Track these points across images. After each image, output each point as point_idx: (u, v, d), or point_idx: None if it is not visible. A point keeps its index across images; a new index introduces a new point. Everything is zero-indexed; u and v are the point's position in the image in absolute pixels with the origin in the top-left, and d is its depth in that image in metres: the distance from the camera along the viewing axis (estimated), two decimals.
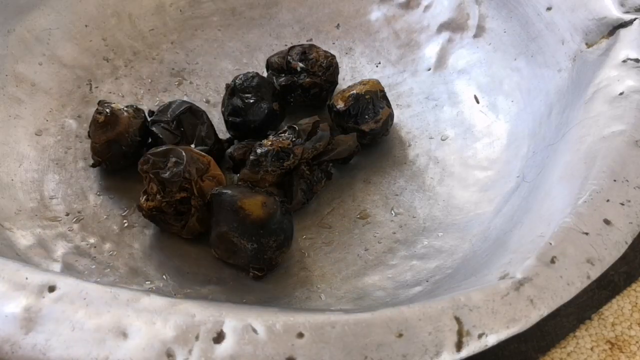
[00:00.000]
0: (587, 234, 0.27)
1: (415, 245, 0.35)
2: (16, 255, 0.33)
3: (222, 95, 0.41)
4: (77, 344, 0.24)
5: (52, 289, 0.25)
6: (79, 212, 0.37)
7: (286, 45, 0.45)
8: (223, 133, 0.40)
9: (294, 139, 0.36)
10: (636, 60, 0.33)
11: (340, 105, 0.39)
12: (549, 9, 0.39)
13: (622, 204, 0.28)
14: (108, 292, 0.25)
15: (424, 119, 0.42)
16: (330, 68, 0.41)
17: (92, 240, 0.36)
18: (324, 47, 0.43)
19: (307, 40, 0.46)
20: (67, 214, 0.37)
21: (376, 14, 0.47)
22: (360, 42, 0.46)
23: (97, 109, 0.38)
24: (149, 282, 0.34)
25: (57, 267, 0.34)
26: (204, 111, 0.39)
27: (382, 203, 0.38)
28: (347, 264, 0.35)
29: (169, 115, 0.38)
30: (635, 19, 0.35)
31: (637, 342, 0.34)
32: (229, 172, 0.38)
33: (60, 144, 0.40)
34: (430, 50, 0.44)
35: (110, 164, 0.38)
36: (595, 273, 0.27)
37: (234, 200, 0.33)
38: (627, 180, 0.29)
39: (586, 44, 0.36)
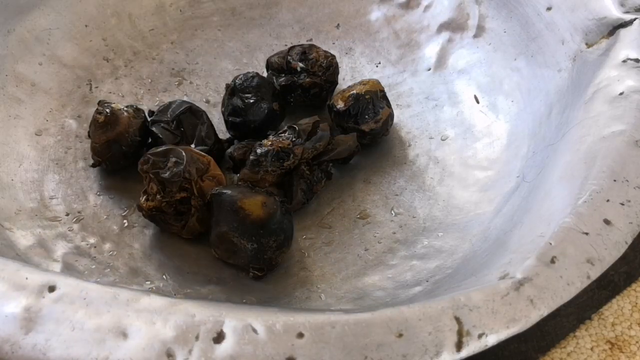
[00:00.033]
0: (587, 234, 0.27)
1: (415, 245, 0.35)
2: (16, 255, 0.33)
3: (222, 95, 0.41)
4: (77, 344, 0.24)
5: (52, 289, 0.25)
6: (79, 212, 0.37)
7: (286, 45, 0.45)
8: (223, 133, 0.40)
9: (294, 139, 0.36)
10: (636, 60, 0.33)
11: (340, 105, 0.39)
12: (549, 9, 0.39)
13: (622, 204, 0.28)
14: (108, 292, 0.25)
15: (424, 119, 0.42)
16: (330, 68, 0.41)
17: (92, 240, 0.36)
18: (324, 47, 0.43)
19: (307, 40, 0.46)
20: (67, 214, 0.37)
21: (376, 14, 0.47)
22: (360, 42, 0.46)
23: (97, 109, 0.38)
24: (149, 282, 0.34)
25: (57, 267, 0.34)
26: (204, 111, 0.39)
27: (382, 203, 0.38)
28: (347, 264, 0.35)
29: (169, 115, 0.38)
30: (635, 19, 0.35)
31: (637, 342, 0.34)
32: (229, 172, 0.38)
33: (60, 144, 0.40)
34: (430, 50, 0.44)
35: (110, 164, 0.38)
36: (595, 273, 0.27)
37: (234, 200, 0.33)
38: (627, 180, 0.29)
39: (586, 44, 0.36)
